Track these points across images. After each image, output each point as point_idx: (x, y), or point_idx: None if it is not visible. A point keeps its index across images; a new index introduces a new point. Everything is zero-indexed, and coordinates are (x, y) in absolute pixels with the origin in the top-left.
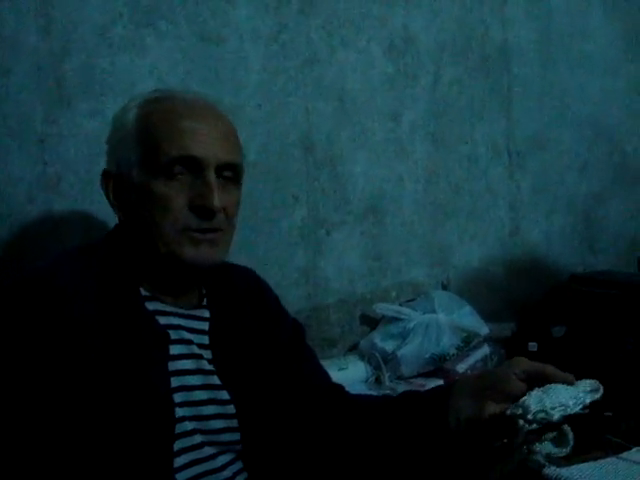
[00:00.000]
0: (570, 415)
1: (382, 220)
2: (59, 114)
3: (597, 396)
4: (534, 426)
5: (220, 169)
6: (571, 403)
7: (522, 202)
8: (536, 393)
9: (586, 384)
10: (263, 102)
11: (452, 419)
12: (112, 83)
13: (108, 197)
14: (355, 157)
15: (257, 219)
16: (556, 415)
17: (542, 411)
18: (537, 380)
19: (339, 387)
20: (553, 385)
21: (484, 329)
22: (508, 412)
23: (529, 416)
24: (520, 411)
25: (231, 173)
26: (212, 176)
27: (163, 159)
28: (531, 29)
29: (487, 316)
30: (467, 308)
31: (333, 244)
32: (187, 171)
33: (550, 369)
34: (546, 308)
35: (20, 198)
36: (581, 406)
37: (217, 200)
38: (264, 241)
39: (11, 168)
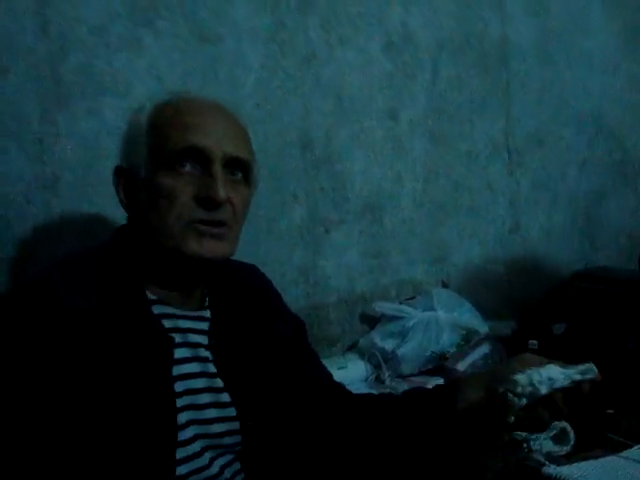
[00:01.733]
0: (560, 388)
1: (381, 218)
2: (57, 114)
3: (589, 376)
4: (524, 401)
5: (228, 164)
6: (560, 378)
7: (522, 199)
8: (529, 371)
9: (581, 367)
10: (261, 101)
11: (461, 405)
12: (110, 83)
13: (118, 194)
14: (354, 155)
15: (256, 218)
16: (543, 389)
17: (530, 385)
18: None
19: (340, 386)
20: (548, 365)
21: (484, 327)
22: (501, 389)
23: (518, 389)
24: (511, 386)
25: (240, 172)
26: (218, 168)
27: (169, 152)
28: (530, 26)
29: (487, 314)
30: (467, 306)
31: (332, 243)
32: (195, 166)
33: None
34: (546, 305)
35: (18, 198)
36: (569, 381)
37: (222, 191)
38: (263, 240)
39: (9, 168)
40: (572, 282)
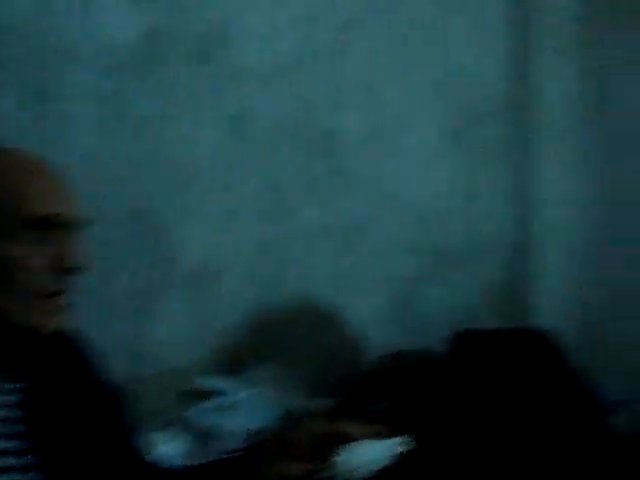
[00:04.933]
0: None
1: (209, 289)
2: None
3: (408, 447)
4: None
5: (69, 227)
6: (380, 458)
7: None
8: (345, 453)
9: (399, 439)
10: (95, 166)
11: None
12: None
13: None
14: (186, 224)
15: (81, 284)
16: (363, 472)
17: (349, 471)
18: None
19: (150, 466)
20: (364, 442)
21: (304, 404)
22: (315, 476)
23: (337, 477)
24: (329, 471)
25: (78, 231)
26: (63, 234)
27: (9, 221)
28: (358, 120)
29: (308, 391)
30: (289, 383)
31: (158, 312)
32: (39, 233)
33: (350, 428)
34: (366, 385)
35: None
36: (389, 460)
37: (73, 258)
38: (87, 308)
39: None
40: (384, 363)
